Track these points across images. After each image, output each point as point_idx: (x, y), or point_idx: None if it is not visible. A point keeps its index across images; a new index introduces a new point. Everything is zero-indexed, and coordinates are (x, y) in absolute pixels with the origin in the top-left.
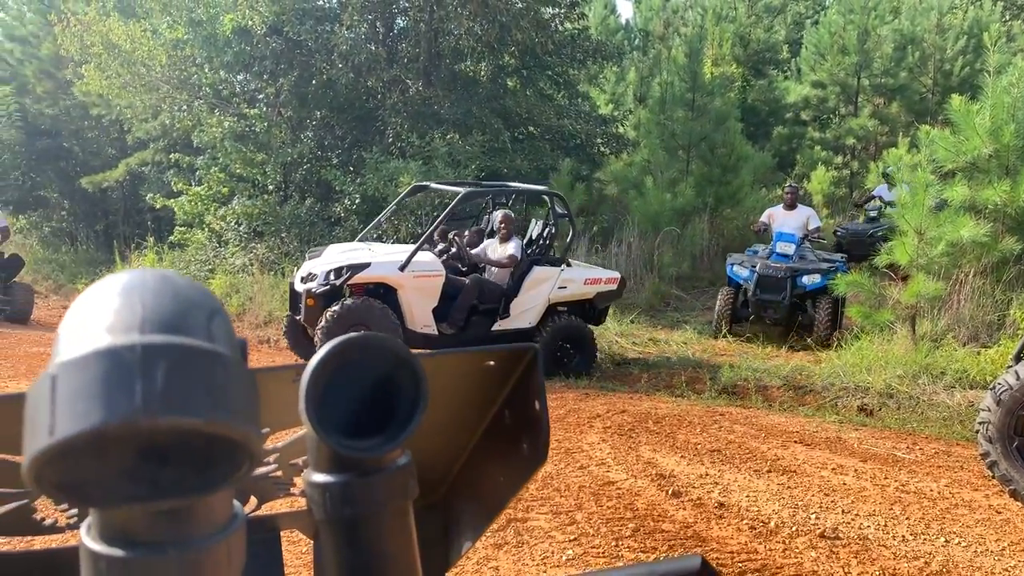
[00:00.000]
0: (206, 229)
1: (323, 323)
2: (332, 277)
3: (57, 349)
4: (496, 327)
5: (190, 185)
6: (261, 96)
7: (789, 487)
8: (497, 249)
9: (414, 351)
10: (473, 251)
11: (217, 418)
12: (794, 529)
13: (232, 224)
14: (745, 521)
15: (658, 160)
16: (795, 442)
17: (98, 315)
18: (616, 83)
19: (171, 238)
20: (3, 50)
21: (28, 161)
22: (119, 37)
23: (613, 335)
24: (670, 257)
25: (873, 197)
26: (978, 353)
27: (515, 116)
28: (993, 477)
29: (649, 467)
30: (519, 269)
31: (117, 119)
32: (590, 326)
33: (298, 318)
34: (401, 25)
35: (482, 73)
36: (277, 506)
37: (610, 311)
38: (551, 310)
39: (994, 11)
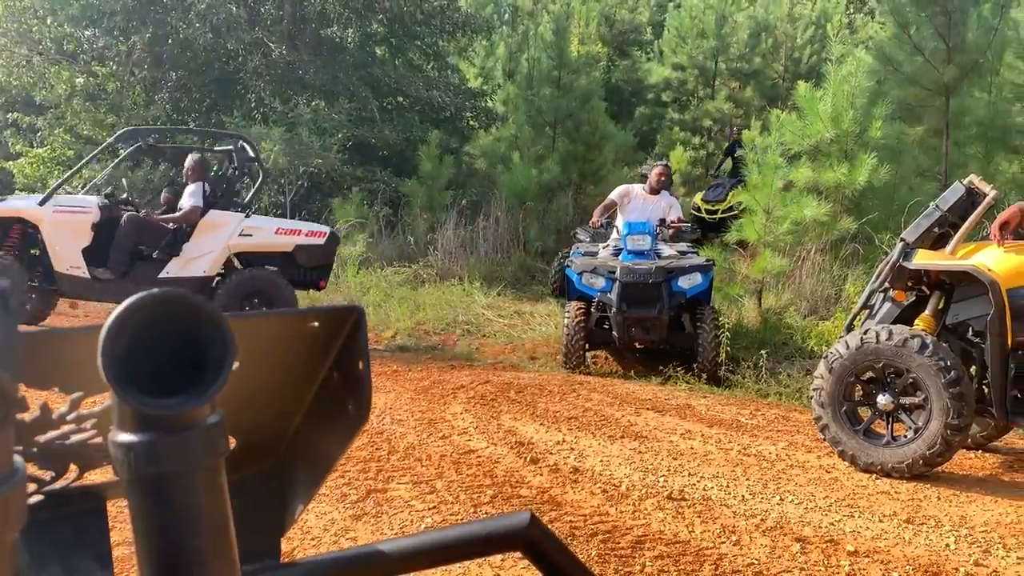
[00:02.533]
0: None
1: None
2: None
3: None
4: (164, 274)
5: (31, 147)
6: (112, 54)
7: (640, 452)
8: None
9: (241, 312)
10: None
11: None
12: (644, 492)
13: (79, 189)
14: (598, 485)
15: (525, 136)
16: (648, 409)
17: None
18: (485, 57)
19: None
20: None
21: None
22: None
23: (480, 308)
24: (536, 232)
25: None
26: (817, 325)
27: (383, 85)
28: (824, 440)
29: (509, 435)
30: (194, 216)
31: None
32: (311, 291)
33: None
34: None
35: (349, 40)
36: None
37: (476, 284)
38: (246, 263)
39: (839, 3)
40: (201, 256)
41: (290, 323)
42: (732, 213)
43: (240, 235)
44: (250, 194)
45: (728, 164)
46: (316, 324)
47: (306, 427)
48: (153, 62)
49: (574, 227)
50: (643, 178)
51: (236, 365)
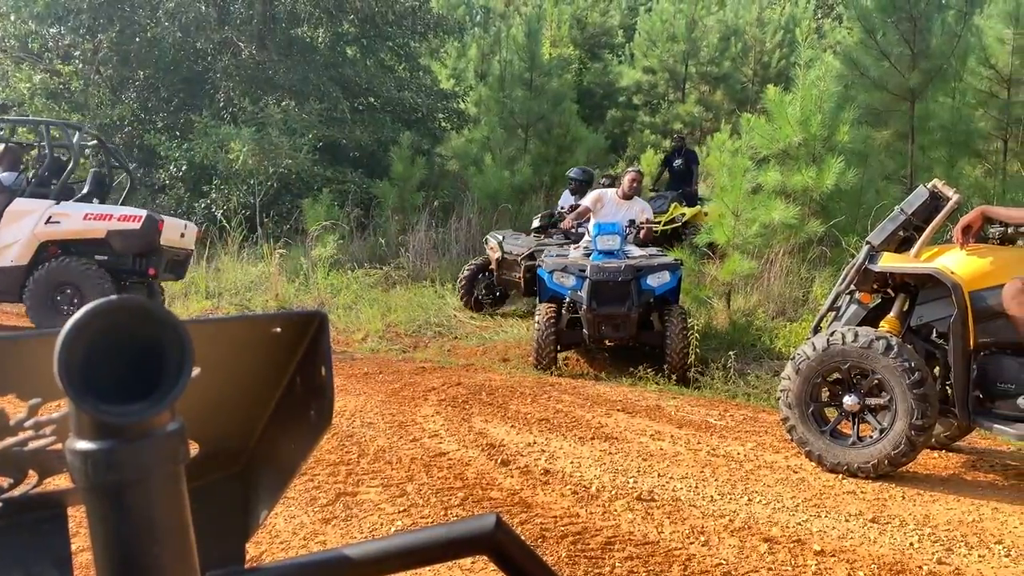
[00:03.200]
0: None
1: None
2: None
3: None
4: None
5: None
6: (77, 52)
7: (611, 453)
8: None
9: (201, 317)
10: None
11: None
12: (613, 493)
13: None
14: (568, 487)
15: (497, 137)
16: (618, 410)
17: None
18: (457, 58)
19: None
20: None
21: None
22: None
23: (452, 310)
24: None
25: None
26: (785, 326)
27: (354, 86)
28: (792, 440)
29: (480, 437)
30: None
31: None
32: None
33: None
34: None
35: (320, 40)
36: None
37: (448, 286)
38: (70, 252)
39: (807, 8)
40: (8, 246)
41: (252, 328)
42: (674, 225)
43: (47, 223)
44: (59, 180)
45: (666, 176)
46: (279, 329)
47: (269, 433)
48: (120, 60)
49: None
50: (571, 182)
51: (197, 371)
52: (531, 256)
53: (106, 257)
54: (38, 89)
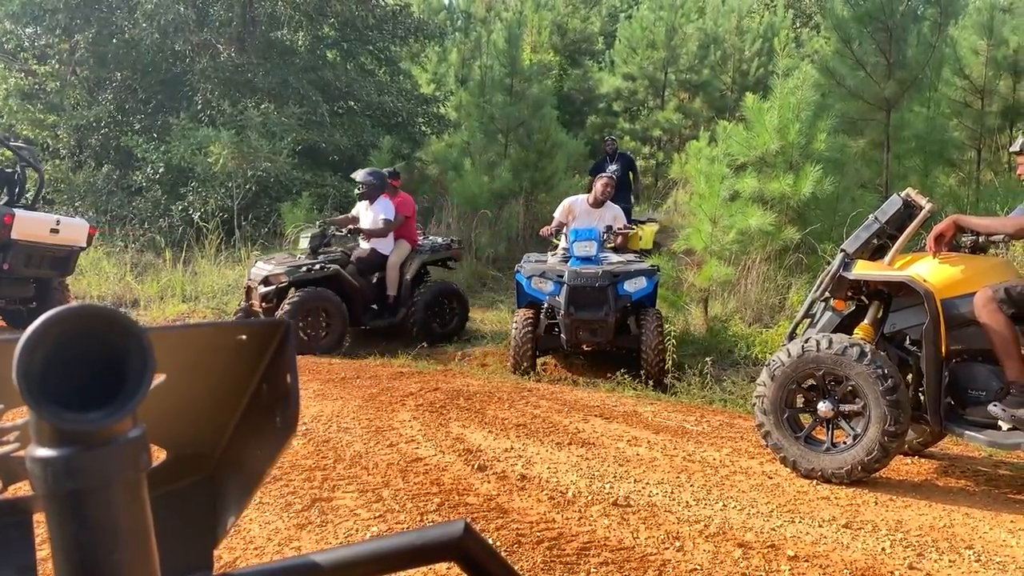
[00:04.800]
0: None
1: None
2: None
3: None
4: None
5: None
6: (53, 52)
7: (587, 458)
8: None
9: (166, 324)
10: None
11: None
12: (590, 498)
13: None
14: (545, 492)
15: (477, 142)
16: (595, 416)
17: None
18: (438, 63)
19: None
20: None
21: None
22: None
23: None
24: (487, 238)
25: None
26: (761, 333)
27: (334, 89)
28: (767, 446)
29: (457, 443)
30: None
31: None
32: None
33: None
34: None
35: (300, 43)
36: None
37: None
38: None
39: (786, 18)
40: None
41: (217, 335)
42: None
43: None
44: None
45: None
46: (244, 337)
47: (237, 439)
48: (97, 61)
49: (526, 234)
50: (360, 186)
51: (162, 378)
52: (266, 281)
53: None
54: (12, 90)
